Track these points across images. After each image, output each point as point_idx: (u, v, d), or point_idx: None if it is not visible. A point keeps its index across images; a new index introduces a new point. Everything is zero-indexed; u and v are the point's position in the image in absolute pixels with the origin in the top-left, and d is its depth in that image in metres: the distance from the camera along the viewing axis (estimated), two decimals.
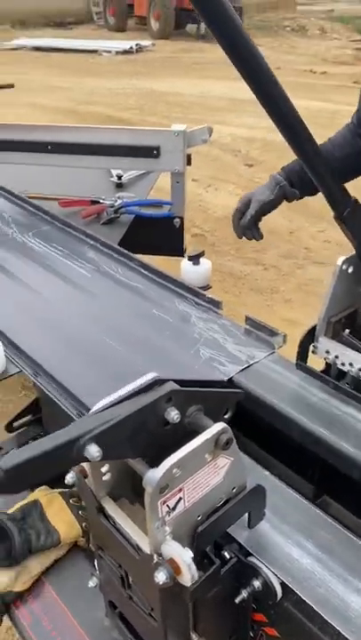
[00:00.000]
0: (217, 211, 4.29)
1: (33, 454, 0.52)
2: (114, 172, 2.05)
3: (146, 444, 0.62)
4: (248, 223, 1.40)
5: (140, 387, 0.63)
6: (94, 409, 0.64)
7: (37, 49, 14.02)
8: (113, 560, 0.75)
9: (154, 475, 0.57)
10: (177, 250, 1.90)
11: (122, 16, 17.29)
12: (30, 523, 0.96)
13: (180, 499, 0.61)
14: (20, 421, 1.25)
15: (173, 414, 0.61)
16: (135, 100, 8.11)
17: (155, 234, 1.83)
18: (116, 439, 0.58)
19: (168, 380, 0.64)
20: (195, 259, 1.37)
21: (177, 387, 0.62)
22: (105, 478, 0.71)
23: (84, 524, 0.99)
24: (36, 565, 0.94)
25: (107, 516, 0.71)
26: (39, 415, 1.26)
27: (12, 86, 3.28)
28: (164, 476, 0.57)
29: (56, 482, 1.09)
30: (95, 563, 0.83)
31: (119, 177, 2.04)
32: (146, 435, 0.61)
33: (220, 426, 0.62)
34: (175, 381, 0.64)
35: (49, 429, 1.25)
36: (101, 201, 1.87)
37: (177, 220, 1.84)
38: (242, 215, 1.42)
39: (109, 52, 12.91)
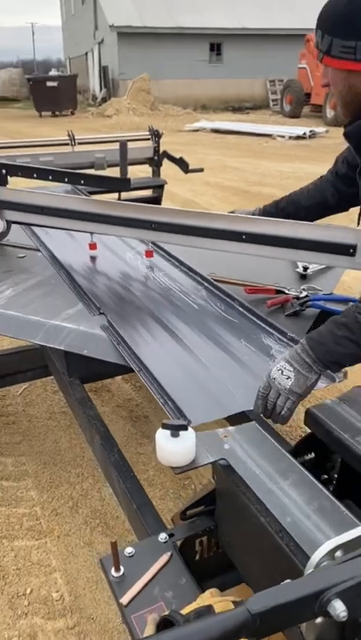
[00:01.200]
0: None
1: (278, 602, 0.49)
2: (300, 264, 2.07)
3: None
4: None
5: None
6: (323, 550, 0.60)
7: (215, 131, 15.13)
8: None
9: None
10: None
11: (298, 104, 18.11)
12: None
13: None
14: (193, 510, 1.24)
15: None
16: (305, 183, 8.26)
17: None
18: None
19: None
20: None
21: None
22: (317, 621, 0.65)
23: None
24: None
25: None
26: (213, 507, 1.24)
27: (201, 170, 3.52)
28: None
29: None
30: None
31: (305, 268, 2.04)
32: None
33: None
34: None
35: (220, 523, 1.22)
36: (286, 291, 1.88)
37: None
38: None
39: (283, 136, 13.47)
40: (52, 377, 2.37)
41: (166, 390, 1.35)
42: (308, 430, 1.30)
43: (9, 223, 2.23)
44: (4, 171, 2.16)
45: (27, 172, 2.18)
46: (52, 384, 2.93)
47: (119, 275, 2.07)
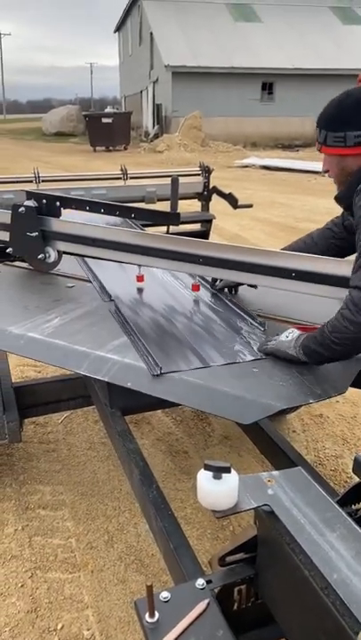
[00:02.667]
0: None
1: None
2: None
3: None
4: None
5: None
6: None
7: (265, 167, 15.26)
8: None
9: None
10: None
11: None
12: None
13: None
14: (233, 557, 1.19)
15: None
16: None
17: None
18: None
19: None
20: None
21: None
22: None
23: None
24: None
25: None
26: (253, 554, 1.18)
27: (250, 206, 3.53)
28: None
29: None
30: None
31: None
32: None
33: None
34: None
35: (260, 572, 1.17)
36: None
37: None
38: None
39: None
40: (94, 406, 2.37)
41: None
42: (356, 479, 1.24)
43: (60, 253, 2.28)
44: (58, 203, 2.21)
45: (80, 204, 2.23)
46: (93, 413, 2.93)
47: (164, 307, 2.07)
